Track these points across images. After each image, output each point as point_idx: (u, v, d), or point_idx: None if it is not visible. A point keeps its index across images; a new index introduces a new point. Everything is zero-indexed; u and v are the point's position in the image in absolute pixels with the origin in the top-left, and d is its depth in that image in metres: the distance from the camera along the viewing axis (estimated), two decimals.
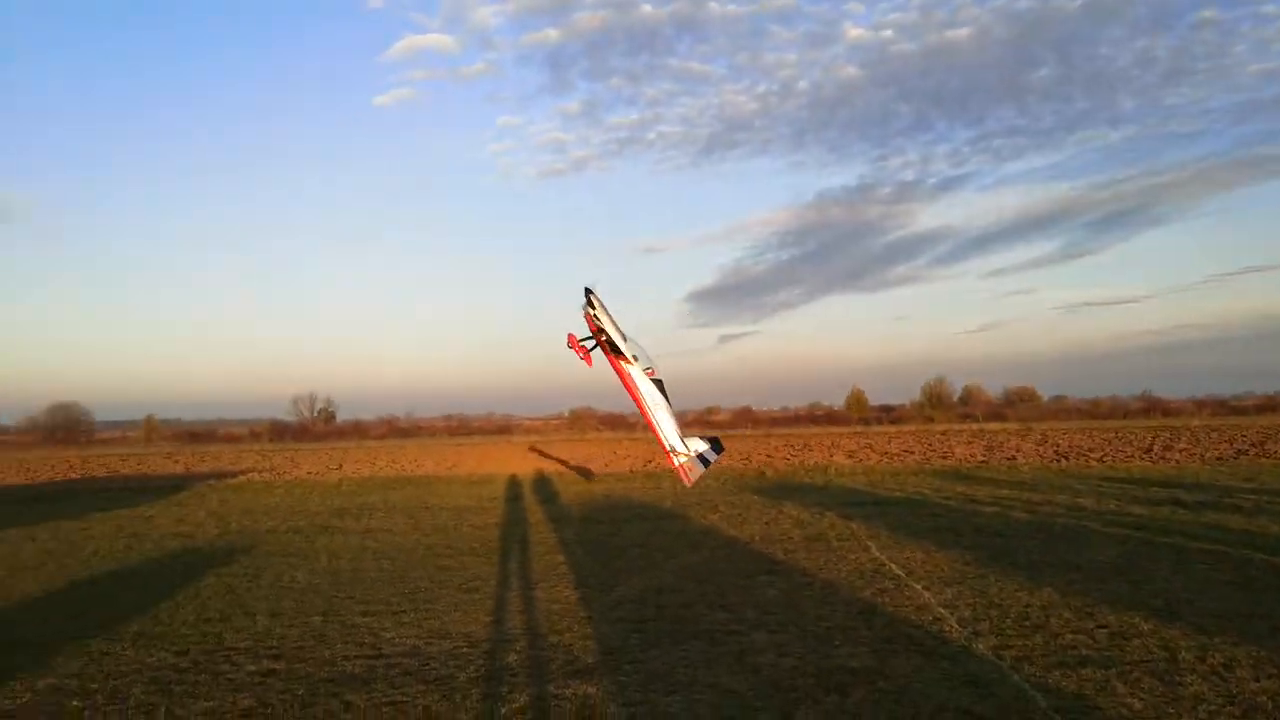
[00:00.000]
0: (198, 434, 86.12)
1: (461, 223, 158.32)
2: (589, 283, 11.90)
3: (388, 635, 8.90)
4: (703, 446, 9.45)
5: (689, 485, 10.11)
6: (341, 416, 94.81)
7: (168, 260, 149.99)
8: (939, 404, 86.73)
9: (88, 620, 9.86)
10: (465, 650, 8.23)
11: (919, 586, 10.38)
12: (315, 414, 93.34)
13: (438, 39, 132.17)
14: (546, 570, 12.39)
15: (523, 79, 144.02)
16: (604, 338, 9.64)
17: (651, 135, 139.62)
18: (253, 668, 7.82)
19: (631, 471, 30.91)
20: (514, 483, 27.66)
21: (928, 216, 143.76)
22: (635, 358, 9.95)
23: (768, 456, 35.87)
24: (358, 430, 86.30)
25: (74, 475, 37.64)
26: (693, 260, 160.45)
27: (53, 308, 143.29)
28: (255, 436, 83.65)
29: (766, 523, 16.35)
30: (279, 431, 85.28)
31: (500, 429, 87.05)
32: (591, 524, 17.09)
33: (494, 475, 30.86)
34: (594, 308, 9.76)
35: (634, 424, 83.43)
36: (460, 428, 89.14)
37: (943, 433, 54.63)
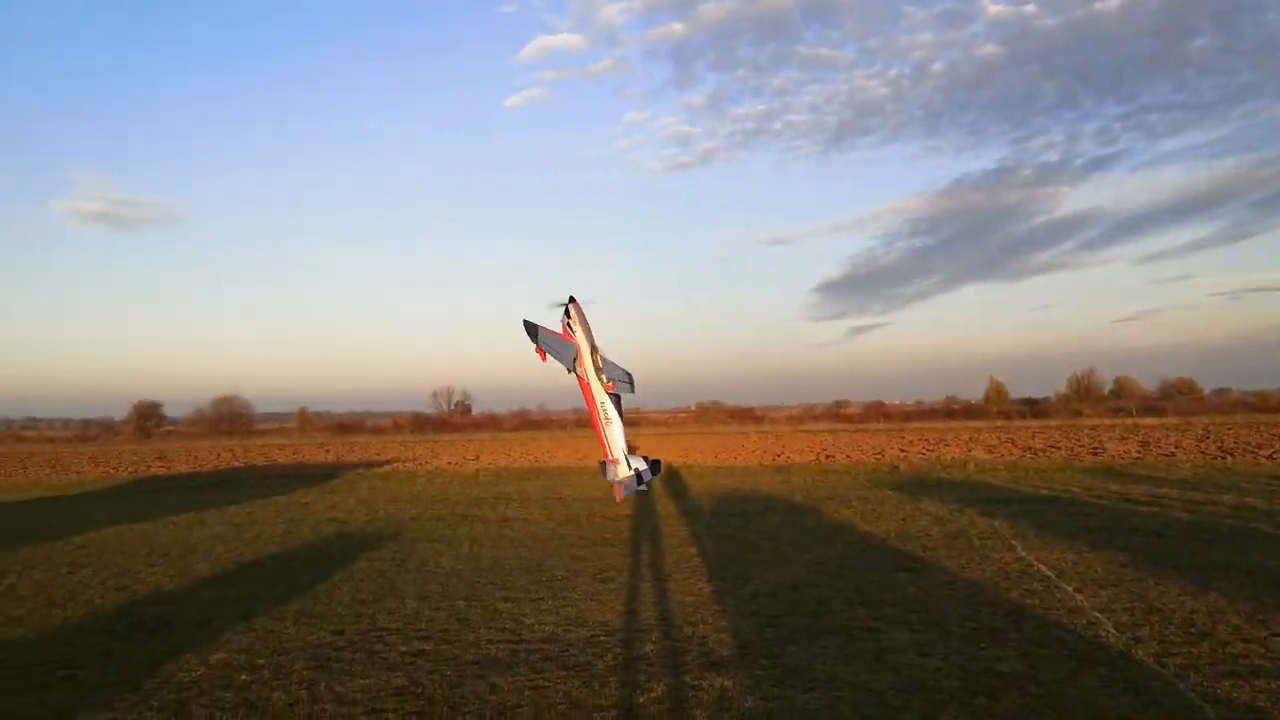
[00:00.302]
0: (346, 425, 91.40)
1: (588, 219, 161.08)
2: (574, 293, 11.82)
3: (528, 621, 9.19)
4: (642, 466, 9.57)
5: (619, 501, 10.24)
6: (477, 409, 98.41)
7: (317, 261, 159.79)
8: (1087, 397, 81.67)
9: (253, 600, 10.63)
10: (602, 638, 8.40)
11: (1070, 589, 9.85)
12: (453, 406, 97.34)
13: (568, 39, 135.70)
14: (679, 562, 12.48)
15: (649, 74, 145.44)
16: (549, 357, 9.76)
17: (778, 125, 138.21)
18: (404, 648, 8.24)
19: (761, 465, 30.69)
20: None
21: (1074, 199, 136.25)
22: (600, 370, 9.99)
23: (902, 451, 34.82)
24: (492, 422, 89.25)
25: (237, 464, 40.63)
26: (821, 251, 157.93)
27: (217, 308, 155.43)
28: (399, 428, 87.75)
29: (903, 519, 15.92)
30: (420, 423, 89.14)
31: (629, 422, 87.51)
32: (722, 517, 17.09)
33: None
34: (570, 317, 9.77)
35: (760, 417, 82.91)
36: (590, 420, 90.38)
37: (1092, 427, 51.49)
